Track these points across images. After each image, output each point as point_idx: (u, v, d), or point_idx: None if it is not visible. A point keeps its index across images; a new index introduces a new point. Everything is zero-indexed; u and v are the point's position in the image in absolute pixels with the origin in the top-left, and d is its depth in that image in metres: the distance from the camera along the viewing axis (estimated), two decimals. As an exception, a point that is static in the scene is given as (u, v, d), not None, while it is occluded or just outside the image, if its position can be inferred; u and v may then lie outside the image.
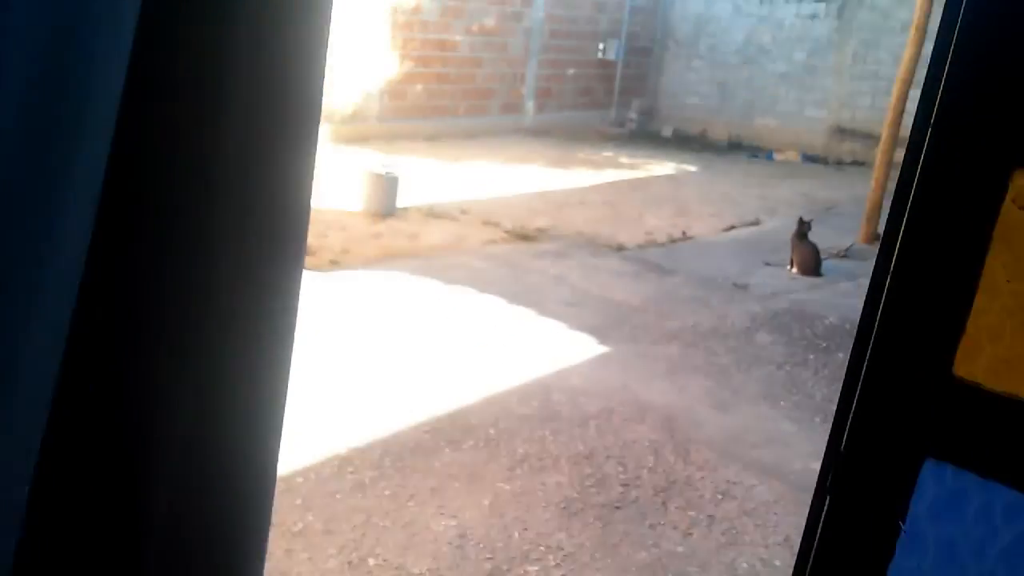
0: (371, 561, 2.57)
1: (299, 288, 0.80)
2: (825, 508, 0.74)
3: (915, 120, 0.65)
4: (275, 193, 0.73)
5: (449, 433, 3.34)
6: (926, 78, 0.65)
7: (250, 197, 0.71)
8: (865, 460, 0.70)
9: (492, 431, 3.38)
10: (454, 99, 11.14)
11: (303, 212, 0.78)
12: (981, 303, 0.62)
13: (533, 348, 4.24)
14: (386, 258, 5.64)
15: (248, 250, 0.72)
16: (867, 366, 0.69)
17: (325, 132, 9.58)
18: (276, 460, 0.86)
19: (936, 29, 0.64)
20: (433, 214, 6.95)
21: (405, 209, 6.90)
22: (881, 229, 5.40)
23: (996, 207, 0.61)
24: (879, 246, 0.70)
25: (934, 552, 0.67)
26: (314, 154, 0.76)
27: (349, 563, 2.55)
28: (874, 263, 0.72)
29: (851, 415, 0.70)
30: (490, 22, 11.29)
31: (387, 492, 2.92)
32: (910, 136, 0.66)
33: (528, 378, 3.87)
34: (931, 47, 0.66)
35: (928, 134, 0.63)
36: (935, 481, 0.66)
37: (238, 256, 0.72)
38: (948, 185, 0.63)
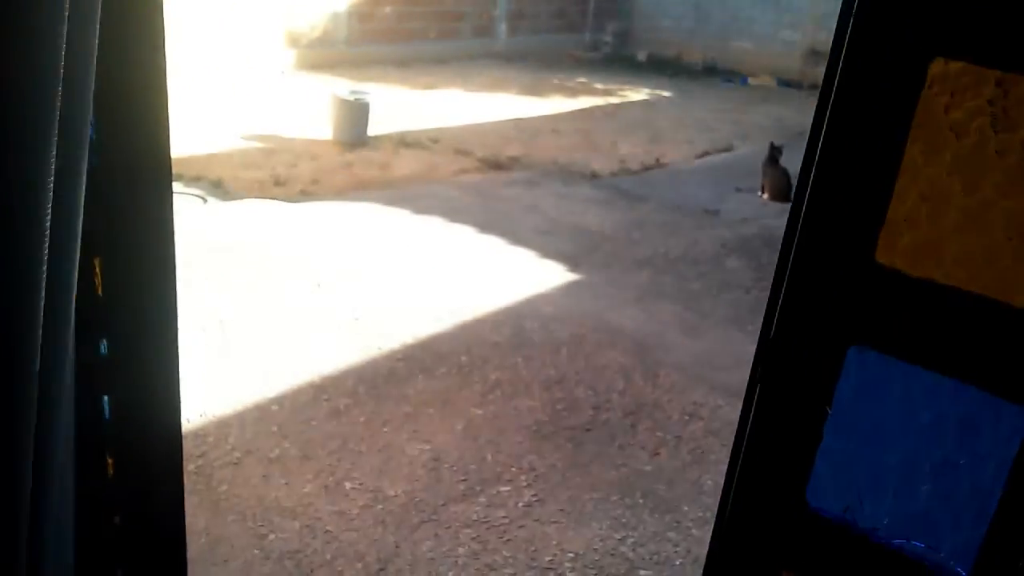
0: (347, 485, 2.63)
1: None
2: (755, 396, 0.76)
3: (839, 15, 0.65)
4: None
5: (422, 361, 3.38)
6: None
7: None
8: (792, 348, 0.72)
9: (465, 358, 3.43)
10: (425, 22, 10.86)
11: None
12: (900, 190, 0.63)
13: (505, 276, 4.26)
14: (357, 188, 5.59)
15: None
16: (793, 256, 0.70)
17: (291, 57, 9.34)
18: (177, 382, 0.88)
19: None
20: (404, 143, 6.86)
21: (376, 138, 6.80)
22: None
23: (916, 95, 0.62)
24: (807, 139, 0.71)
25: (859, 434, 0.70)
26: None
27: (326, 487, 2.61)
28: (802, 157, 0.72)
29: (779, 304, 0.72)
30: (460, -59, 10.95)
31: (362, 419, 2.97)
32: (835, 31, 0.66)
33: (500, 306, 3.91)
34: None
35: (850, 26, 0.64)
36: (859, 366, 0.68)
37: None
38: (869, 75, 0.63)
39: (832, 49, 0.65)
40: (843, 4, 0.64)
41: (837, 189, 0.67)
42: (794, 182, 4.79)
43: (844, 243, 0.67)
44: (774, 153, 5.94)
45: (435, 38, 11.06)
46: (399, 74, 9.70)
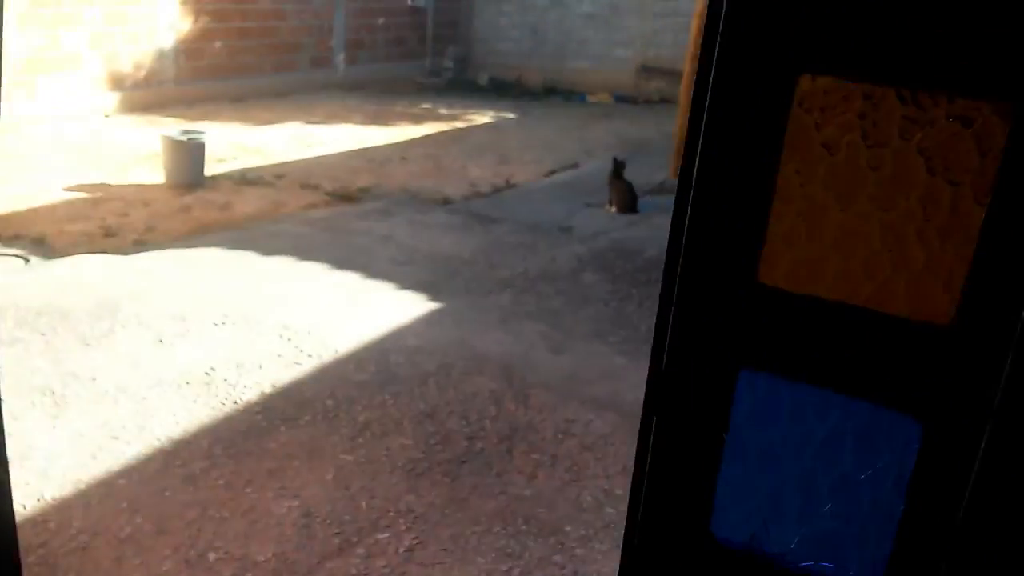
0: (211, 556, 2.43)
1: None
2: (652, 428, 0.75)
3: (704, 34, 0.64)
4: None
5: (283, 410, 3.21)
6: None
7: None
8: (684, 377, 0.71)
9: (330, 402, 3.28)
10: (258, 55, 10.53)
11: None
12: (778, 209, 0.63)
13: (365, 312, 4.14)
14: (197, 232, 5.29)
15: None
16: (678, 283, 0.69)
17: (115, 100, 8.79)
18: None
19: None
20: (246, 181, 6.59)
21: (214, 178, 6.49)
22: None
23: (785, 113, 0.61)
24: (680, 166, 0.70)
25: (756, 457, 0.69)
26: None
27: (187, 561, 2.40)
28: (677, 183, 0.71)
29: (667, 335, 0.71)
30: (288, -28, 10.71)
31: (221, 481, 2.77)
32: (700, 50, 0.65)
33: (362, 343, 3.79)
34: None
35: (716, 46, 0.63)
36: (750, 390, 0.68)
37: None
38: (738, 95, 0.63)
39: (699, 69, 0.64)
40: (707, 24, 0.63)
41: (715, 214, 0.65)
42: (639, 194, 4.92)
43: (726, 266, 0.66)
44: (618, 167, 6.13)
45: (271, 71, 10.74)
46: (235, 111, 9.34)
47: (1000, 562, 0.56)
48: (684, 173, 0.68)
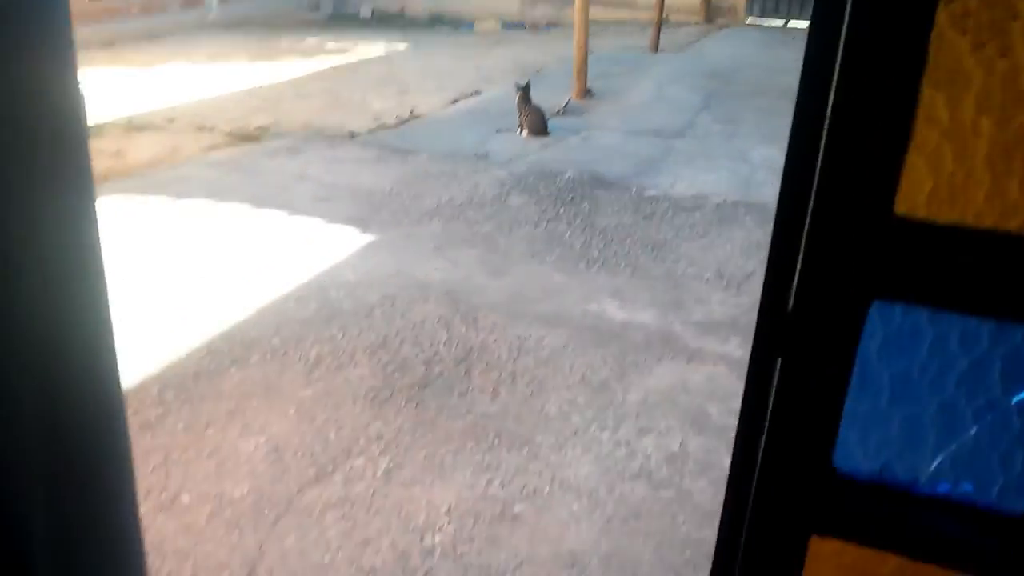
0: (185, 498, 2.38)
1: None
2: (777, 370, 0.72)
3: None
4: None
5: (230, 352, 3.12)
6: None
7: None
8: (813, 314, 0.68)
9: (276, 340, 3.21)
10: (123, -5, 9.79)
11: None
12: (920, 134, 0.60)
13: (296, 249, 4.03)
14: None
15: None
16: (810, 218, 0.66)
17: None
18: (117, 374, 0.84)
19: None
20: (135, 127, 6.19)
21: (99, 126, 6.07)
22: (590, 85, 5.64)
23: (927, 29, 0.58)
24: (801, 77, 0.65)
25: (889, 390, 0.67)
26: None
27: (160, 506, 2.34)
28: (796, 95, 0.66)
29: (798, 269, 0.68)
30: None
31: (180, 425, 2.68)
32: None
33: (299, 281, 3.69)
34: None
35: None
36: (884, 322, 0.66)
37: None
38: (877, 11, 0.59)
39: None
40: None
41: (850, 142, 0.62)
42: (547, 116, 4.89)
43: (861, 198, 0.63)
44: (525, 91, 6.11)
45: (139, 13, 10.02)
46: (109, 55, 8.70)
47: None
48: (810, 90, 0.63)
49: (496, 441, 2.68)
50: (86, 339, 0.81)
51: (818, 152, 0.64)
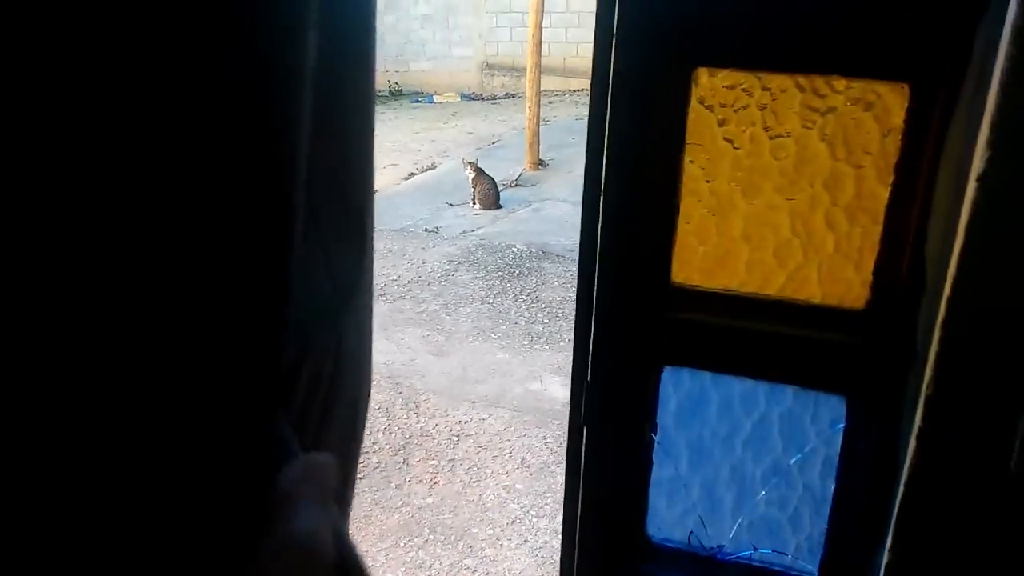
0: None
1: None
2: (583, 440, 0.73)
3: (595, 33, 0.62)
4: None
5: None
6: None
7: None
8: (609, 384, 0.71)
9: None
10: None
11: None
12: (686, 208, 0.63)
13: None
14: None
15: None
16: (596, 292, 0.68)
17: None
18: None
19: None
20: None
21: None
22: (543, 155, 5.68)
23: (684, 109, 0.61)
24: (584, 169, 0.68)
25: (687, 455, 0.69)
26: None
27: None
28: (582, 186, 0.69)
29: (590, 344, 0.70)
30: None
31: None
32: (593, 51, 0.63)
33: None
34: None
35: (612, 43, 0.62)
36: (676, 387, 0.68)
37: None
38: (636, 93, 0.62)
39: (594, 71, 0.63)
40: (597, 24, 0.61)
41: (624, 220, 0.65)
42: (499, 188, 4.91)
43: (641, 269, 0.66)
44: (475, 165, 6.17)
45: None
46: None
47: (938, 533, 0.57)
48: (591, 179, 0.66)
49: (431, 536, 2.61)
50: None
51: (598, 228, 0.67)
